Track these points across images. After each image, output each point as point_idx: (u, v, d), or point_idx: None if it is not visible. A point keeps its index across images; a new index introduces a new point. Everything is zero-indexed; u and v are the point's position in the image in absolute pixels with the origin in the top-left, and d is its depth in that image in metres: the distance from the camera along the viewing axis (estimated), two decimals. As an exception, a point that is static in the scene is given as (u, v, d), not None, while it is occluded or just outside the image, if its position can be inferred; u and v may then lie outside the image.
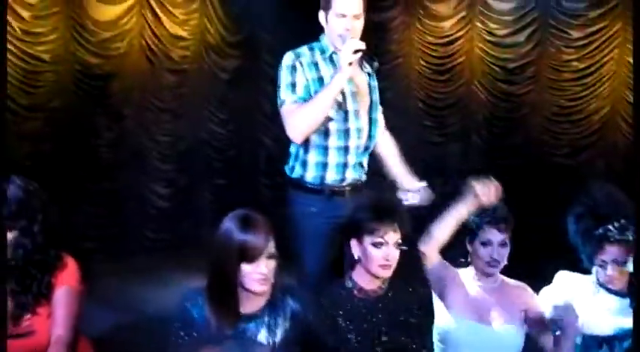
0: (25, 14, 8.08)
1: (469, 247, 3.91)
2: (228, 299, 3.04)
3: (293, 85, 4.07)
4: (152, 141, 9.24)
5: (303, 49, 4.19)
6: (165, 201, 9.44)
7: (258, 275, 2.97)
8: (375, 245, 3.41)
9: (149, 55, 9.08)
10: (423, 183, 4.39)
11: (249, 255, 2.94)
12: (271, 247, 2.99)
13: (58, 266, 3.34)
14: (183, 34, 9.34)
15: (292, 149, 4.33)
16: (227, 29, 9.67)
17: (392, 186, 4.35)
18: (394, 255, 3.43)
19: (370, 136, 4.31)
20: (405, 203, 4.22)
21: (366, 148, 4.33)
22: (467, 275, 3.95)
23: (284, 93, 4.11)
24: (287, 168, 4.36)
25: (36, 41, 8.21)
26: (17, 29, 8.01)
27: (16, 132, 7.94)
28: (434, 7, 9.75)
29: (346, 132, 4.15)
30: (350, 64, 3.92)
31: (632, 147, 4.22)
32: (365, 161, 4.36)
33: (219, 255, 3.04)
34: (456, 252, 3.96)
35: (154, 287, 7.30)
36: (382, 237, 3.39)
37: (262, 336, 3.08)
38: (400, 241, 3.44)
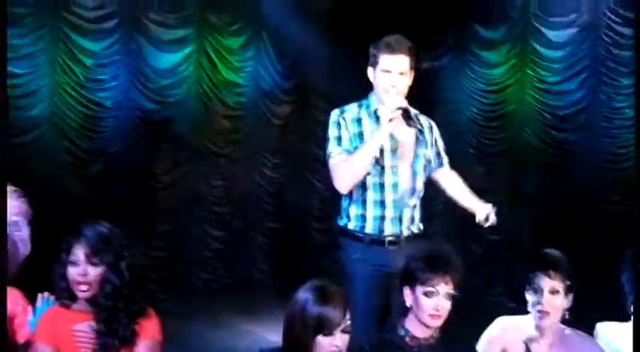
0: (88, 62, 8.30)
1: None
2: None
3: (338, 139, 4.19)
4: (208, 185, 9.33)
5: (350, 106, 4.31)
6: (220, 244, 9.49)
7: (333, 347, 3.00)
8: (427, 294, 3.38)
9: (205, 101, 9.22)
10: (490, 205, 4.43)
11: (325, 327, 2.96)
12: (347, 320, 3.02)
13: (143, 314, 3.36)
14: (239, 80, 9.48)
15: (343, 200, 4.39)
16: (280, 76, 9.76)
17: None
18: (445, 305, 3.40)
19: (413, 190, 4.33)
20: (487, 225, 4.36)
21: (406, 203, 4.32)
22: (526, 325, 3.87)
23: (330, 146, 4.24)
24: (337, 218, 4.44)
25: (98, 88, 8.41)
26: (80, 76, 8.23)
27: (77, 175, 8.11)
28: (484, 54, 9.76)
29: (381, 187, 4.20)
30: (390, 120, 4.02)
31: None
32: (407, 215, 4.33)
33: (294, 325, 3.03)
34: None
35: (207, 327, 7.34)
36: (434, 287, 3.37)
37: None
38: (452, 292, 3.42)
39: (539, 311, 3.67)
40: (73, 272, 3.22)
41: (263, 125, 9.75)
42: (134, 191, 8.47)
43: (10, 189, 3.77)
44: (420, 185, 4.36)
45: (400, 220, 4.28)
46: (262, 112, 9.74)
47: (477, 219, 4.40)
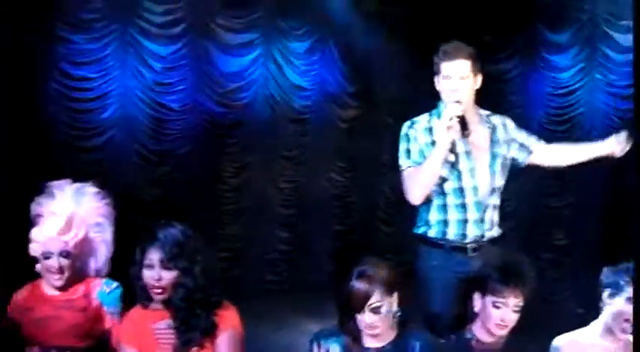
0: (157, 66, 8.36)
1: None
2: (352, 337, 3.24)
3: (408, 152, 4.22)
4: (275, 187, 9.33)
5: (421, 116, 4.30)
6: (286, 245, 9.49)
7: (366, 327, 3.20)
8: (495, 305, 3.38)
9: (272, 105, 9.20)
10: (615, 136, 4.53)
11: (352, 303, 3.17)
12: (377, 302, 3.17)
13: (220, 306, 3.39)
14: (305, 84, 9.44)
15: (421, 208, 4.33)
16: (346, 79, 9.70)
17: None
18: (511, 318, 3.40)
19: (493, 190, 4.26)
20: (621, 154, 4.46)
21: (488, 204, 4.26)
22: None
23: (401, 159, 4.27)
24: (415, 226, 4.40)
25: (166, 91, 8.46)
26: (149, 80, 8.30)
27: (146, 177, 8.16)
28: (552, 58, 9.58)
29: (461, 191, 4.16)
30: (449, 128, 3.98)
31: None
32: (489, 216, 4.28)
33: (340, 294, 3.24)
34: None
35: (273, 328, 7.32)
36: (504, 299, 3.37)
37: None
38: (520, 305, 3.39)
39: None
40: (147, 275, 3.28)
41: (329, 128, 9.70)
42: (202, 193, 8.51)
43: (92, 190, 3.84)
44: (499, 183, 4.29)
45: (482, 221, 4.23)
46: (328, 116, 9.69)
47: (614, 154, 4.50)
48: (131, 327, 3.38)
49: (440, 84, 4.18)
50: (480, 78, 4.21)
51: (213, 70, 8.74)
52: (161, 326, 3.33)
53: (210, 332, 3.31)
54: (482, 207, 4.20)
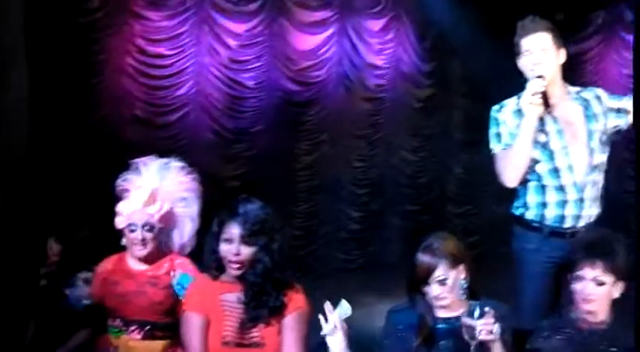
0: (232, 43, 8.30)
1: None
2: (423, 309, 3.26)
3: (498, 135, 4.05)
4: (347, 166, 9.24)
5: (510, 99, 4.13)
6: (357, 224, 9.40)
7: (433, 299, 3.22)
8: (575, 278, 3.30)
9: (346, 83, 9.09)
10: None
11: (421, 275, 3.21)
12: (441, 275, 3.20)
13: (291, 287, 3.37)
14: (379, 63, 9.30)
15: (519, 190, 4.17)
16: (421, 58, 9.55)
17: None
18: (593, 291, 3.28)
19: (592, 168, 4.02)
20: None
21: (586, 183, 4.03)
22: None
23: (492, 143, 4.11)
24: (513, 207, 4.24)
25: (241, 68, 8.40)
26: (225, 57, 8.25)
27: (221, 154, 8.15)
28: (631, 38, 9.27)
29: (556, 171, 3.96)
30: (532, 104, 3.83)
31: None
32: (589, 195, 4.04)
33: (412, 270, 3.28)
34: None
35: (344, 307, 7.22)
36: (581, 271, 3.28)
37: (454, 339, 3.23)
38: (601, 278, 3.25)
39: None
40: (225, 249, 3.23)
41: (403, 108, 9.57)
42: (275, 170, 8.43)
43: (178, 165, 3.84)
44: (599, 160, 4.05)
45: (582, 201, 4.01)
46: (402, 95, 9.55)
47: None
48: (198, 296, 3.34)
49: (522, 61, 4.00)
50: (563, 52, 4.00)
51: (288, 48, 8.64)
52: (230, 298, 3.29)
53: (278, 311, 3.28)
54: (580, 186, 3.98)
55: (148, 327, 3.69)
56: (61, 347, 4.26)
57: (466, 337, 3.04)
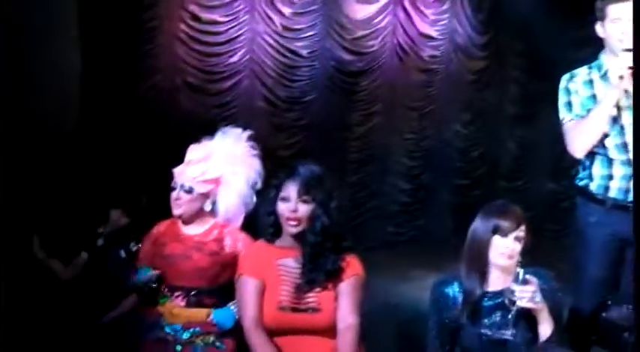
0: (286, 11, 8.16)
1: None
2: (479, 273, 3.17)
3: (569, 104, 3.92)
4: (399, 138, 9.11)
5: (581, 69, 3.99)
6: (408, 197, 9.27)
7: (505, 249, 3.11)
8: None
9: (400, 54, 8.92)
10: None
11: (502, 230, 3.11)
12: (520, 231, 3.14)
13: (348, 252, 3.30)
14: (434, 34, 9.12)
15: (584, 161, 4.04)
16: (476, 31, 9.39)
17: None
18: None
19: None
20: None
21: None
22: None
23: (562, 112, 3.97)
24: (576, 177, 4.11)
25: (295, 37, 8.26)
26: (279, 25, 8.11)
27: (273, 123, 8.06)
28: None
29: (624, 146, 3.82)
30: (621, 77, 3.65)
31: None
32: None
33: (477, 230, 3.21)
34: None
35: (392, 279, 7.13)
36: None
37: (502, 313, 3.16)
38: None
39: None
40: (283, 208, 3.19)
41: (456, 80, 9.41)
42: (327, 140, 8.32)
43: (237, 132, 3.76)
44: None
45: None
46: (455, 67, 9.39)
47: None
48: (254, 261, 3.30)
49: (606, 30, 3.83)
50: None
51: (343, 17, 8.48)
52: (286, 262, 3.25)
53: (335, 275, 3.22)
54: None
55: (193, 294, 3.63)
56: (111, 311, 4.27)
57: (506, 301, 3.03)
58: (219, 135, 3.76)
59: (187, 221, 3.69)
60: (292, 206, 3.16)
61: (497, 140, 9.85)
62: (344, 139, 8.65)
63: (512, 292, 2.97)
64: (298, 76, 8.32)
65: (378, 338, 3.26)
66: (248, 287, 3.24)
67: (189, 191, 3.62)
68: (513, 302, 2.99)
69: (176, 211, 3.65)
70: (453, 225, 9.45)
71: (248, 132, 3.79)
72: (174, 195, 3.63)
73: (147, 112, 7.17)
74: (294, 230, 3.19)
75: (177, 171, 3.66)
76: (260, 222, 3.33)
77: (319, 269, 3.20)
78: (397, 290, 6.52)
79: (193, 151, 3.68)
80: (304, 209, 3.17)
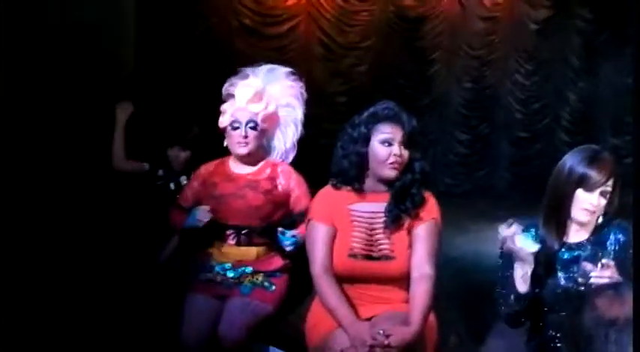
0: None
1: None
2: (557, 225, 2.85)
3: None
4: (458, 86, 8.85)
5: None
6: (465, 148, 9.03)
7: (588, 205, 2.78)
8: None
9: (462, 0, 8.65)
10: None
11: (587, 184, 2.75)
12: (607, 186, 2.79)
13: (426, 198, 3.10)
14: (494, -20, 8.80)
15: None
16: (541, -22, 9.00)
17: None
18: None
19: None
20: None
21: None
22: None
23: None
24: None
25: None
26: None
27: (329, 68, 7.86)
28: None
29: None
30: None
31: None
32: None
33: (559, 179, 2.82)
34: None
35: (453, 232, 6.93)
36: None
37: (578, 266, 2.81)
38: None
39: None
40: (384, 151, 3.00)
41: (518, 29, 9.11)
42: (383, 87, 8.07)
43: (285, 70, 3.67)
44: None
45: None
46: (519, 15, 9.10)
47: None
48: (325, 205, 3.12)
49: None
50: None
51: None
52: (360, 208, 3.07)
53: (412, 215, 3.03)
54: None
55: (244, 232, 3.54)
56: (162, 250, 4.18)
57: (579, 279, 2.72)
58: (264, 72, 3.64)
59: (243, 160, 3.59)
60: (397, 150, 2.97)
61: (560, 92, 9.52)
62: (401, 87, 8.40)
63: (587, 273, 2.63)
64: (356, 20, 8.09)
65: (441, 291, 3.08)
66: (318, 232, 3.07)
67: (255, 127, 3.53)
68: (585, 283, 2.66)
69: (242, 150, 3.53)
70: (512, 179, 9.24)
71: (290, 70, 3.69)
72: (238, 133, 3.52)
73: (202, 54, 7.03)
74: (395, 173, 3.01)
75: (234, 109, 3.55)
76: (338, 164, 3.12)
77: (402, 210, 3.03)
78: (455, 242, 6.30)
79: (247, 88, 3.56)
80: (406, 154, 3.00)
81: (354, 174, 3.08)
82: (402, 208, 3.03)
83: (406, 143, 2.99)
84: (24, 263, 4.05)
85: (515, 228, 2.70)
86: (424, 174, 3.05)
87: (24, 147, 4.64)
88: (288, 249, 3.48)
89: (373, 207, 3.07)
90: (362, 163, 3.05)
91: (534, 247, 2.68)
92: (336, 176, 3.12)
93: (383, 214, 3.05)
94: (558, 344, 2.76)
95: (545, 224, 2.84)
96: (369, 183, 3.08)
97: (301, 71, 3.86)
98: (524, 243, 2.70)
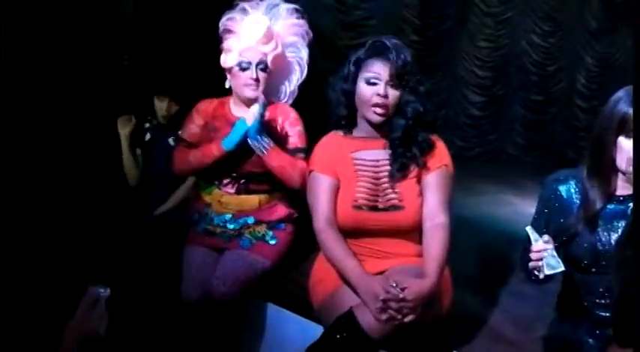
0: None
1: None
2: (601, 176, 2.54)
3: None
4: (471, 45, 8.57)
5: None
6: (478, 110, 8.75)
7: (631, 154, 2.40)
8: None
9: (478, -46, 8.33)
10: None
11: (628, 128, 2.41)
12: None
13: (433, 143, 2.83)
14: None
15: None
16: None
17: None
18: None
19: None
20: None
21: None
22: None
23: None
24: None
25: None
26: None
27: (339, 20, 7.57)
28: None
29: None
30: None
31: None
32: None
33: (602, 124, 2.48)
34: None
35: (465, 194, 6.68)
36: None
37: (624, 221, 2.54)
38: None
39: None
40: (369, 91, 2.76)
41: (536, -14, 8.78)
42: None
43: (287, 6, 3.39)
44: None
45: None
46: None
47: None
48: (326, 154, 2.89)
49: None
50: None
51: None
52: (363, 156, 2.84)
53: (420, 162, 2.77)
54: None
55: (243, 180, 3.32)
56: (162, 205, 3.97)
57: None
58: (264, 8, 3.36)
59: (247, 103, 3.31)
60: (381, 90, 2.72)
61: (577, 55, 9.25)
62: (413, 42, 8.09)
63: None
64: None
65: (455, 250, 2.86)
66: (320, 184, 2.83)
67: (265, 69, 3.27)
68: None
69: (252, 93, 3.28)
70: (526, 143, 8.98)
71: (293, 6, 3.40)
72: (248, 75, 3.26)
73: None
74: (379, 118, 2.77)
75: (243, 48, 3.28)
76: (330, 107, 2.90)
77: (408, 158, 2.77)
78: (468, 203, 6.04)
79: (256, 25, 3.29)
80: (394, 94, 2.74)
81: (343, 115, 2.87)
82: (407, 156, 2.77)
83: (395, 83, 2.74)
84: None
85: (544, 244, 2.41)
86: (418, 117, 2.76)
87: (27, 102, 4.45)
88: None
89: (377, 154, 2.84)
90: (350, 104, 2.84)
91: (559, 268, 2.36)
92: (331, 120, 2.91)
93: (388, 162, 2.80)
94: (596, 310, 2.49)
95: (589, 174, 2.56)
96: (364, 127, 2.87)
97: (309, 23, 3.60)
98: (550, 264, 2.42)
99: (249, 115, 3.17)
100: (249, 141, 3.19)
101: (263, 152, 3.17)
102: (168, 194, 4.01)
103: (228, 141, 3.22)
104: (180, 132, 3.54)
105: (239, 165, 3.28)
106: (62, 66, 4.88)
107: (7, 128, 3.49)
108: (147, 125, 4.32)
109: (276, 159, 3.18)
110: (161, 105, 4.23)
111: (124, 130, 4.28)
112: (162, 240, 3.68)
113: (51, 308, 2.88)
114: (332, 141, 2.92)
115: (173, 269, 3.30)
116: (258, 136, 3.17)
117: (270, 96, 3.43)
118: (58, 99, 4.81)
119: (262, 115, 3.16)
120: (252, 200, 3.33)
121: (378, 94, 2.72)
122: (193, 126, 3.44)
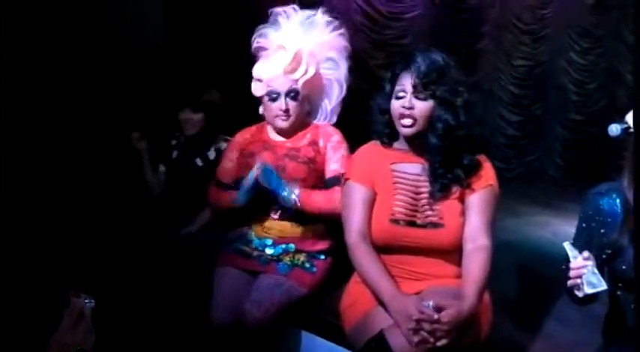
0: None
1: None
2: None
3: None
4: (508, 64, 8.39)
5: None
6: (516, 130, 8.56)
7: None
8: None
9: (512, -29, 8.19)
10: None
11: None
12: None
13: (481, 160, 2.76)
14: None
15: None
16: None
17: None
18: None
19: None
20: None
21: None
22: None
23: None
24: None
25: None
26: None
27: (372, 39, 7.44)
28: None
29: None
30: None
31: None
32: None
33: None
34: None
35: (501, 215, 6.53)
36: None
37: None
38: None
39: None
40: (396, 104, 2.72)
41: (573, 3, 8.59)
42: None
43: (323, 19, 3.36)
44: None
45: None
46: (574, -12, 8.59)
47: None
48: (364, 164, 2.83)
49: None
50: None
51: None
52: (403, 169, 2.78)
53: (464, 184, 2.70)
54: None
55: (289, 208, 3.22)
56: (188, 225, 3.93)
57: None
58: (299, 20, 3.31)
59: (283, 132, 3.32)
60: (407, 102, 2.67)
61: (616, 72, 9.01)
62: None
63: None
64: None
65: (494, 273, 2.77)
66: (355, 194, 2.76)
67: (295, 97, 3.23)
68: None
69: (283, 124, 3.26)
70: (564, 164, 8.79)
71: (330, 19, 3.37)
72: (277, 106, 3.22)
73: (228, 18, 6.62)
74: (407, 131, 2.72)
75: (269, 76, 3.22)
76: (373, 122, 2.87)
77: (450, 179, 2.70)
78: (506, 225, 5.93)
79: (283, 52, 3.23)
80: (421, 106, 2.67)
81: (387, 133, 2.82)
82: (449, 177, 2.69)
83: (421, 92, 2.67)
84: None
85: (584, 260, 2.28)
86: (451, 135, 2.65)
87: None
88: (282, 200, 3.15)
89: (418, 168, 2.77)
90: (389, 121, 2.79)
91: (601, 287, 2.25)
92: (376, 133, 2.86)
93: (428, 178, 2.72)
94: None
95: (630, 184, 2.44)
96: (402, 141, 2.80)
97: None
98: (591, 282, 2.28)
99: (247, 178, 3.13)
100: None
101: (293, 205, 3.10)
102: (192, 214, 3.95)
103: (239, 197, 3.18)
104: (216, 171, 3.48)
105: None
106: (89, 82, 4.90)
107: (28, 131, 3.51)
108: (173, 142, 4.28)
109: (308, 205, 3.13)
110: (183, 119, 4.17)
111: (139, 146, 4.25)
112: (189, 261, 3.62)
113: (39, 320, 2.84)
114: (371, 150, 2.86)
115: (200, 290, 3.24)
116: (283, 193, 3.09)
117: (311, 117, 3.39)
118: (82, 114, 4.84)
119: (270, 180, 3.09)
120: (296, 228, 3.26)
121: (404, 106, 2.66)
122: (227, 162, 3.42)
